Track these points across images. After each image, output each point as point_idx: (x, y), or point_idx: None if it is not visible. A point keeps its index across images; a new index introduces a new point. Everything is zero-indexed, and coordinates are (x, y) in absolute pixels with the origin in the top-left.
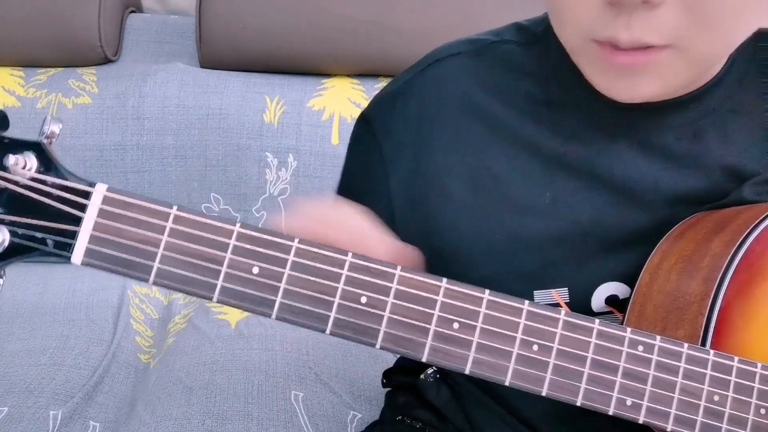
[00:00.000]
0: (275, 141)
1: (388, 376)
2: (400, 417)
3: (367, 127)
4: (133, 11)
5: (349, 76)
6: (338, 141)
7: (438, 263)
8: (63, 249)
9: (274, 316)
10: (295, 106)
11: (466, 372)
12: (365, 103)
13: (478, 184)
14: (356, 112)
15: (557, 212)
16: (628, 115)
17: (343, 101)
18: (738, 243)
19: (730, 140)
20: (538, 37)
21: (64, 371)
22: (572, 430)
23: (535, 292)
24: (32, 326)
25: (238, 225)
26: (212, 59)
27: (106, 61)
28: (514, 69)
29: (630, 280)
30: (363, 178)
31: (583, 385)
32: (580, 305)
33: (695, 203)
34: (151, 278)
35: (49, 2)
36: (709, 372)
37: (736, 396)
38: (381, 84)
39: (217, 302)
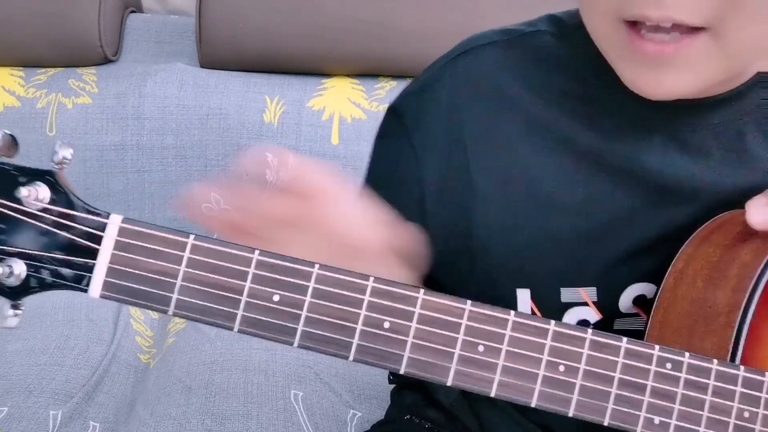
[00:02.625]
0: (275, 141)
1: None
2: (408, 416)
3: (396, 119)
4: (133, 11)
5: (349, 76)
6: (338, 141)
7: (466, 256)
8: (80, 282)
9: (296, 344)
10: (295, 106)
11: (492, 395)
12: (365, 103)
13: (509, 178)
14: (356, 112)
15: (589, 210)
16: (666, 111)
17: (343, 101)
18: None
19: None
20: (573, 30)
21: (64, 371)
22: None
23: (562, 289)
24: (32, 326)
25: (257, 252)
26: (212, 59)
27: (106, 61)
28: (550, 62)
29: (660, 281)
30: (392, 170)
31: (610, 405)
32: (607, 305)
33: (734, 205)
34: (171, 310)
35: (49, 2)
36: (739, 389)
37: (767, 413)
38: (381, 84)
39: (238, 332)
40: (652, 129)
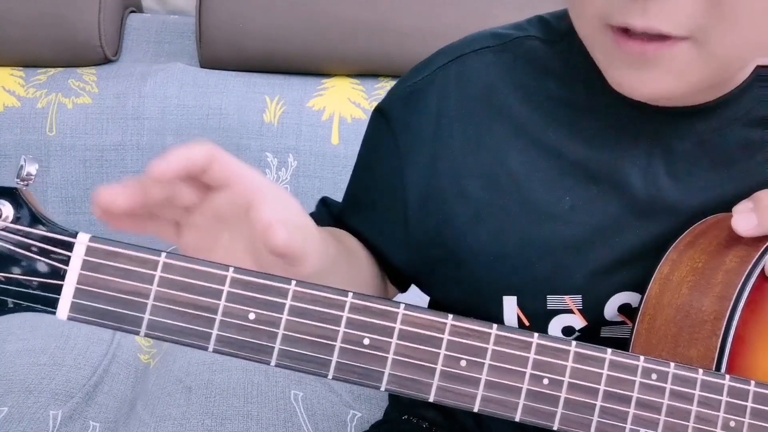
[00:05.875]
0: (275, 141)
1: None
2: (405, 416)
3: (383, 120)
4: (133, 11)
5: (349, 76)
6: (338, 141)
7: (450, 263)
8: (47, 304)
9: (273, 363)
10: (295, 106)
11: (475, 410)
12: (365, 103)
13: (497, 185)
14: (356, 112)
15: (575, 218)
16: (652, 120)
17: (343, 101)
18: (754, 260)
19: (754, 150)
20: (562, 35)
21: (64, 371)
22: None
23: (548, 297)
24: (32, 326)
25: (231, 270)
26: (212, 59)
27: (106, 61)
28: (539, 67)
29: (645, 291)
30: (377, 173)
31: (595, 418)
32: (592, 313)
33: (718, 213)
34: (142, 331)
35: (49, 2)
36: (725, 398)
37: (752, 421)
38: (381, 84)
39: (213, 352)
40: (637, 137)
